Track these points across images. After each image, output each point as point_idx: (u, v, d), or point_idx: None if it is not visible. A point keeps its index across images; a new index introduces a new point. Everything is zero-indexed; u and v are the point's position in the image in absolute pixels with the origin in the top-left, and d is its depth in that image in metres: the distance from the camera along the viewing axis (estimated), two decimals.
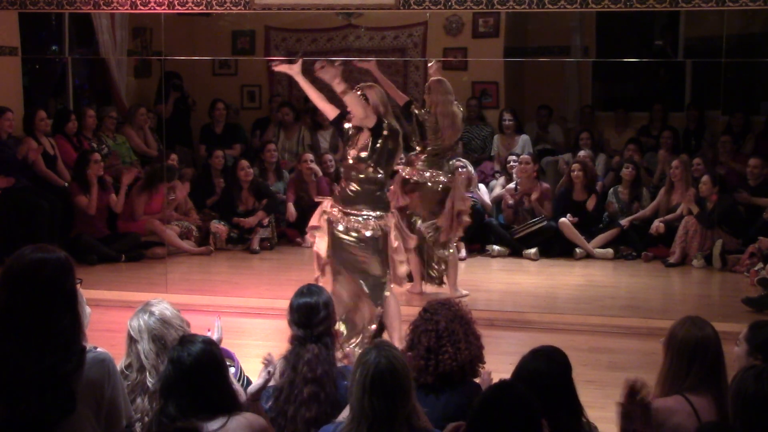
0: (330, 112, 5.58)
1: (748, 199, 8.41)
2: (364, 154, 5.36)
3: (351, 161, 5.42)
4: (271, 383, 3.55)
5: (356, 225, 5.39)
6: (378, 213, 5.42)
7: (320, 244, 5.57)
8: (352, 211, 5.41)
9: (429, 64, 7.27)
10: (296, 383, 3.48)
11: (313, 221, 5.63)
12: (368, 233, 5.38)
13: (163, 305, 3.54)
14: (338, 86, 5.29)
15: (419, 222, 6.97)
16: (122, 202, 8.57)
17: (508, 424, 2.52)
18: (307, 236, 5.66)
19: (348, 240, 5.41)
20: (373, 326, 5.44)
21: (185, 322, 3.55)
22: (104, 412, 2.74)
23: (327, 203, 5.58)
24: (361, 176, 5.39)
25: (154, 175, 8.75)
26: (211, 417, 2.89)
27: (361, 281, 5.43)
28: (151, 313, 3.47)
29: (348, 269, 5.46)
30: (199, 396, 2.92)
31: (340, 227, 5.42)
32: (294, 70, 5.43)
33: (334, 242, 5.47)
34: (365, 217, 5.39)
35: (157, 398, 3.18)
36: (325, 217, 5.52)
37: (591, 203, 8.78)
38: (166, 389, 2.96)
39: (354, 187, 5.41)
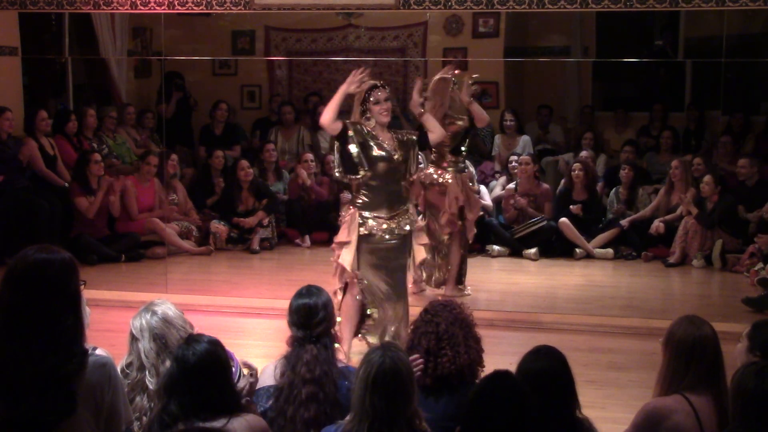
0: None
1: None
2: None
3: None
4: (272, 383, 3.56)
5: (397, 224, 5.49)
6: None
7: (345, 256, 5.45)
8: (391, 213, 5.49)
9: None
10: (295, 384, 3.49)
11: (341, 237, 5.50)
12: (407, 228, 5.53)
13: (166, 305, 3.55)
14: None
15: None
16: (117, 206, 8.58)
17: (502, 413, 2.61)
18: (333, 246, 5.62)
19: (387, 244, 5.46)
20: (393, 327, 5.47)
21: (188, 324, 3.55)
22: (104, 416, 2.74)
23: (351, 216, 5.52)
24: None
25: (137, 169, 8.89)
26: (212, 417, 2.89)
27: (388, 283, 5.48)
28: (154, 313, 3.48)
29: (377, 274, 5.48)
30: (201, 395, 2.92)
31: (378, 234, 5.45)
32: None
33: (367, 251, 5.46)
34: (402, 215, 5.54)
35: (158, 396, 3.18)
36: (356, 230, 5.44)
37: (576, 209, 8.75)
38: (169, 387, 2.96)
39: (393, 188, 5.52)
